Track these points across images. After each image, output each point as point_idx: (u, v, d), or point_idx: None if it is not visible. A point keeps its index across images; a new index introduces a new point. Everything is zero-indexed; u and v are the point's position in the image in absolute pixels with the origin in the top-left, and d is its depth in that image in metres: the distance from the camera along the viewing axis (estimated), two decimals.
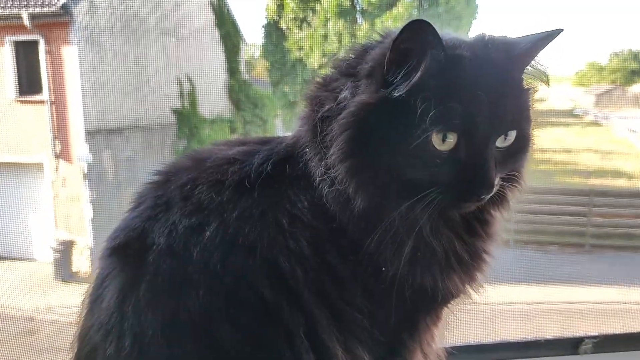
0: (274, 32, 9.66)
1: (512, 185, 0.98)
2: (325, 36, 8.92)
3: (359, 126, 0.81)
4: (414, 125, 0.80)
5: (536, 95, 0.98)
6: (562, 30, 0.94)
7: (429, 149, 0.81)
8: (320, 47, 8.93)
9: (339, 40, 8.79)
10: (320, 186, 0.84)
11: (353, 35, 8.74)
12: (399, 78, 0.80)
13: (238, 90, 12.31)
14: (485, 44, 0.93)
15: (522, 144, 0.92)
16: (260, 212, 0.83)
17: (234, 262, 0.81)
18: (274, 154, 0.89)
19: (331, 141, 0.83)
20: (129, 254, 0.83)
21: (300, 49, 9.23)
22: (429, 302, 0.91)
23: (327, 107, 0.87)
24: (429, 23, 0.80)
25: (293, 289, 0.81)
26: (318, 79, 0.95)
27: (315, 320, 0.81)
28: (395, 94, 0.80)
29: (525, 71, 0.95)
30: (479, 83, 0.84)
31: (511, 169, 0.95)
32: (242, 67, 12.61)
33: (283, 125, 10.06)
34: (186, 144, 11.13)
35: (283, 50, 9.44)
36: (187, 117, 11.18)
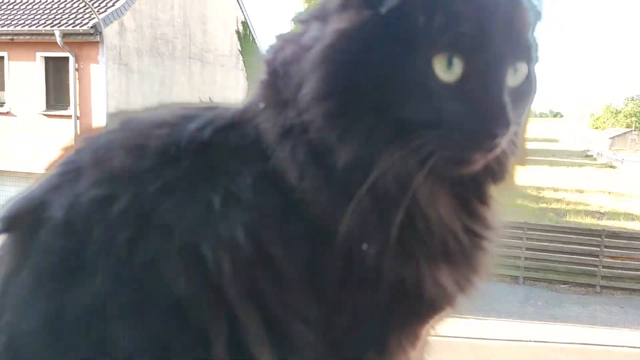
0: None
1: (512, 153, 0.75)
2: None
3: (339, 58, 0.65)
4: (409, 48, 0.64)
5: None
6: None
7: (429, 78, 0.64)
8: None
9: None
10: (275, 154, 0.67)
11: None
12: None
13: None
14: None
15: (530, 87, 0.71)
16: (187, 186, 0.66)
17: (145, 246, 0.64)
18: (217, 118, 0.71)
19: (299, 86, 0.66)
20: (19, 230, 0.68)
21: None
22: (410, 308, 0.71)
23: (288, 52, 0.70)
24: None
25: (216, 285, 0.64)
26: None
27: (243, 327, 0.65)
28: (384, 9, 0.64)
29: None
30: None
31: (516, 121, 0.71)
32: None
33: None
34: None
35: None
36: None
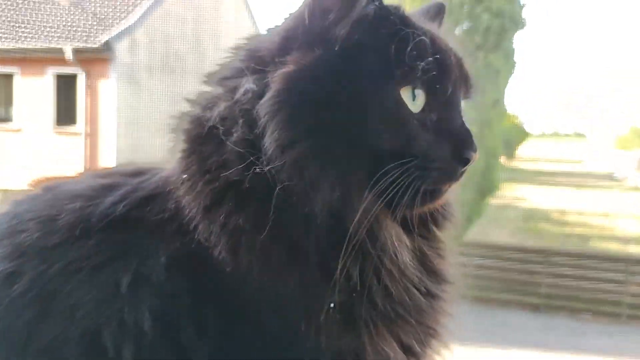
0: None
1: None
2: None
3: (298, 100, 0.63)
4: (376, 81, 0.65)
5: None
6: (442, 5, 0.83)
7: (401, 108, 0.66)
8: None
9: None
10: (199, 229, 0.62)
11: None
12: (338, 24, 0.66)
13: None
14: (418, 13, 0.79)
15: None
16: (93, 266, 0.62)
17: (44, 330, 0.60)
18: (137, 190, 0.68)
19: (241, 142, 0.65)
20: None
21: None
22: None
23: (223, 111, 0.67)
24: None
25: None
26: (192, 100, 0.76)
27: None
28: (338, 46, 0.65)
29: None
30: (438, 36, 0.72)
31: None
32: None
33: None
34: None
35: None
36: None
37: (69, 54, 8.93)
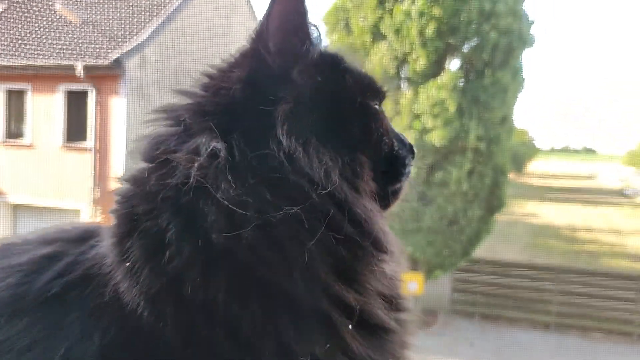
0: None
1: None
2: None
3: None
4: (362, 102, 0.75)
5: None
6: None
7: (378, 113, 0.79)
8: None
9: None
10: (144, 315, 0.58)
11: (395, 101, 8.73)
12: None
13: None
14: None
15: None
16: (23, 346, 0.59)
17: None
18: (76, 264, 0.64)
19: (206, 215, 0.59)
20: None
21: None
22: None
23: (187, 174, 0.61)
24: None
25: None
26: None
27: None
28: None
29: None
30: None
31: None
32: None
33: None
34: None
35: None
36: None
37: (79, 71, 9.00)
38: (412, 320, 0.72)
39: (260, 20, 0.69)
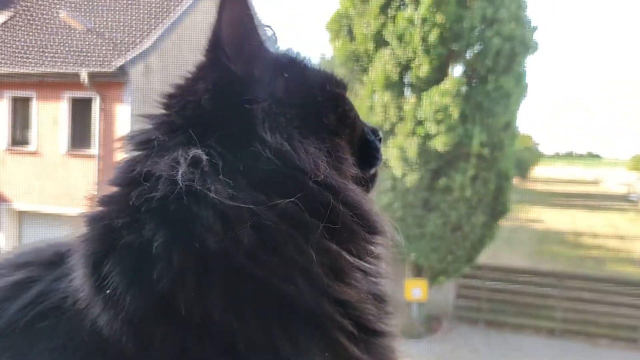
0: None
1: None
2: (371, 107, 8.98)
3: None
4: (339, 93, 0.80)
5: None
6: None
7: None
8: (366, 118, 8.89)
9: (385, 112, 8.81)
10: (128, 347, 0.53)
11: (399, 107, 8.75)
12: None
13: None
14: None
15: None
16: None
17: None
18: (49, 293, 0.59)
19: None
20: None
21: None
22: None
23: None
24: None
25: None
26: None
27: None
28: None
29: None
30: None
31: None
32: None
33: None
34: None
35: None
36: None
37: (84, 79, 9.07)
38: (398, 324, 0.68)
39: (211, 31, 0.69)
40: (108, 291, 0.54)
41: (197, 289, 0.53)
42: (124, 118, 9.21)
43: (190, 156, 0.58)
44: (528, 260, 15.11)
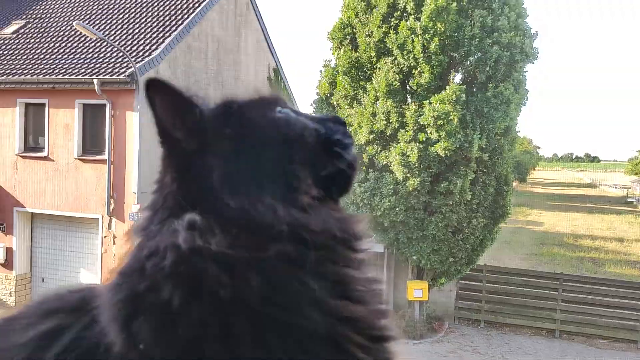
0: (325, 107, 10.00)
1: None
2: (374, 114, 9.16)
3: None
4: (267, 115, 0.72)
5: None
6: None
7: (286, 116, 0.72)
8: (368, 124, 9.17)
9: (387, 119, 9.00)
10: None
11: (401, 114, 8.95)
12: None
13: None
14: None
15: None
16: None
17: None
18: (80, 340, 0.62)
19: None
20: None
21: (349, 125, 9.45)
22: None
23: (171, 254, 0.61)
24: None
25: None
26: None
27: None
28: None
29: None
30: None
31: None
32: None
33: None
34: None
35: None
36: None
37: (96, 86, 9.25)
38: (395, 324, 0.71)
39: (154, 123, 0.69)
40: (141, 346, 0.59)
41: (222, 338, 0.59)
42: (134, 124, 9.43)
43: (186, 221, 0.63)
44: (528, 261, 15.26)
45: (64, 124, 9.97)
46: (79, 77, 9.51)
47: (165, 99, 0.66)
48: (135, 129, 9.43)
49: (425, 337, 9.90)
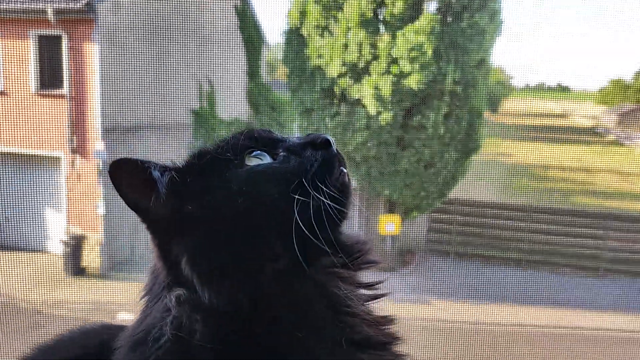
0: (294, 38, 9.62)
1: None
2: (345, 45, 8.88)
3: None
4: (230, 173, 0.72)
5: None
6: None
7: (253, 170, 0.72)
8: (340, 56, 8.89)
9: (360, 50, 8.74)
10: None
11: (374, 45, 8.68)
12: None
13: (257, 94, 12.32)
14: None
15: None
16: None
17: None
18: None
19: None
20: None
21: (320, 56, 9.19)
22: None
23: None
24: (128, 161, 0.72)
25: None
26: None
27: None
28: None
29: None
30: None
31: None
32: (263, 71, 12.62)
33: (299, 132, 10.04)
34: (203, 145, 11.17)
35: (303, 57, 9.40)
36: (204, 119, 11.21)
37: (50, 15, 8.72)
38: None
39: (125, 201, 0.73)
40: None
41: None
42: (93, 57, 8.96)
43: (174, 296, 0.68)
44: (497, 194, 15.51)
45: (18, 56, 9.44)
46: (31, 5, 8.93)
47: (126, 174, 0.70)
48: (96, 61, 8.99)
49: (397, 269, 10.08)
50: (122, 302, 8.07)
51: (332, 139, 0.75)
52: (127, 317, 7.60)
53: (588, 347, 7.89)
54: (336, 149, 0.75)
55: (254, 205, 0.68)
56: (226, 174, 0.71)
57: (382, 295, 0.76)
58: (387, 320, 0.74)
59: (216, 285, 0.66)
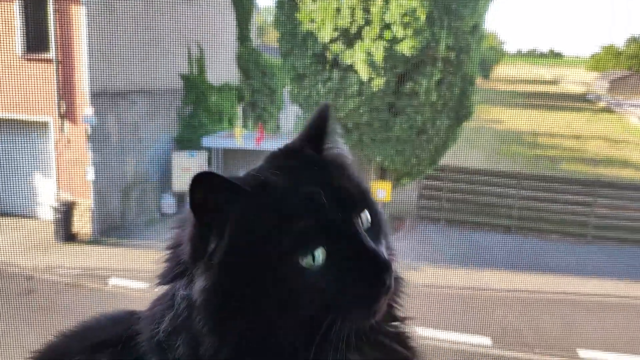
0: (286, 1, 9.45)
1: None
2: (338, 9, 8.74)
3: (215, 307, 0.66)
4: (275, 266, 0.65)
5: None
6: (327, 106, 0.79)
7: (303, 274, 0.65)
8: (332, 20, 8.75)
9: (352, 15, 8.60)
10: None
11: (366, 10, 8.54)
12: (215, 241, 0.67)
13: (247, 59, 12.16)
14: (286, 154, 0.76)
15: (380, 219, 0.75)
16: None
17: None
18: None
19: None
20: None
21: (312, 21, 9.04)
22: None
23: (164, 324, 0.69)
24: (212, 174, 0.65)
25: None
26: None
27: None
28: (220, 258, 0.66)
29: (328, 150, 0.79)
30: (306, 185, 0.69)
31: (386, 247, 0.77)
32: (253, 35, 12.43)
33: (290, 97, 9.94)
34: (192, 110, 11.06)
35: (294, 21, 9.24)
36: (194, 83, 11.07)
37: None
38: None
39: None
40: None
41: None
42: (81, 19, 8.76)
43: (180, 297, 0.69)
44: (488, 161, 15.55)
45: (2, 20, 9.20)
46: None
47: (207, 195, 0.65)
48: (83, 24, 8.80)
49: None
50: (113, 268, 8.10)
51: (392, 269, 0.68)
52: (118, 282, 7.63)
53: (576, 312, 8.04)
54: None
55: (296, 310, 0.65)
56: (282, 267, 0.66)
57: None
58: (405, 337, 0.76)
59: (220, 339, 0.66)
